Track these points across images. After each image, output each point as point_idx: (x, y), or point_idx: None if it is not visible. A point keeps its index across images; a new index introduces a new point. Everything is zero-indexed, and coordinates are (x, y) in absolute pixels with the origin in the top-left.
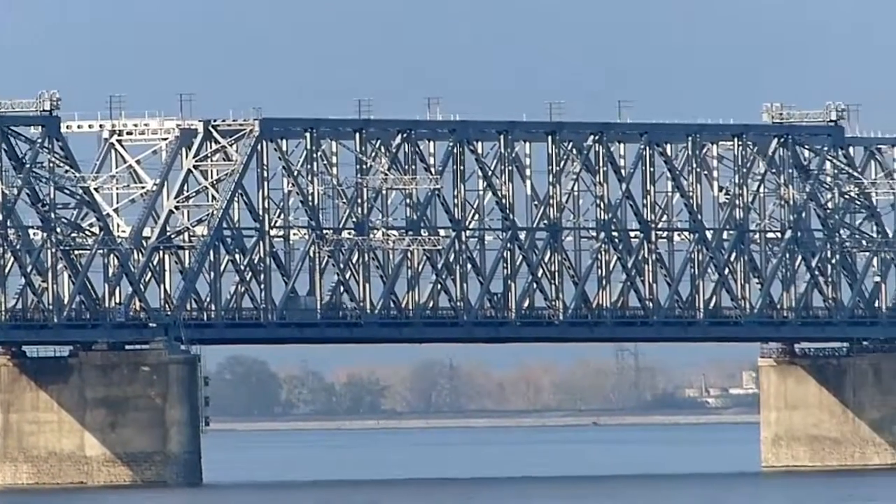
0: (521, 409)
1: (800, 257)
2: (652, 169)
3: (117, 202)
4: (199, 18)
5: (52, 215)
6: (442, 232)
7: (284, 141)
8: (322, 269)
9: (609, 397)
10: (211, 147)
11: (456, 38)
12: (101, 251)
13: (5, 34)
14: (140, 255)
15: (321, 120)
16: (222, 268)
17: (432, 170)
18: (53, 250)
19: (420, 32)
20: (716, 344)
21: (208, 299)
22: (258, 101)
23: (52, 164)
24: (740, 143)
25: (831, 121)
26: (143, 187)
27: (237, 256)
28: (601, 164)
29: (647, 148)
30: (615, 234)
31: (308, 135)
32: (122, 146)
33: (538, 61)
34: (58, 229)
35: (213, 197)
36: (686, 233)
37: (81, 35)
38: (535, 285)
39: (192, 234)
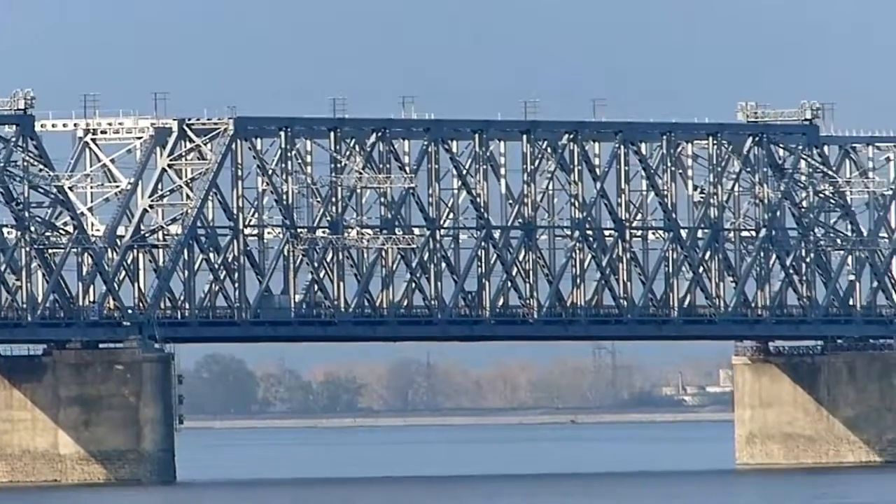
0: (499, 407)
1: (774, 256)
2: (627, 168)
3: (91, 201)
4: (173, 18)
5: (27, 214)
6: (416, 230)
7: (259, 140)
8: (296, 267)
9: (586, 395)
10: (185, 146)
11: (432, 36)
12: (75, 250)
13: None
14: (114, 253)
15: (295, 119)
16: (196, 266)
17: (407, 168)
18: (27, 249)
19: (395, 31)
20: (693, 342)
21: (182, 298)
22: (232, 100)
23: (26, 163)
24: (715, 141)
25: (806, 120)
26: (117, 186)
27: (211, 255)
28: (576, 162)
29: (622, 147)
30: (590, 232)
31: (282, 134)
32: (96, 145)
33: (514, 60)
34: (32, 228)
35: (188, 196)
36: (661, 231)
37: (56, 34)
38: (509, 284)
39: (166, 232)
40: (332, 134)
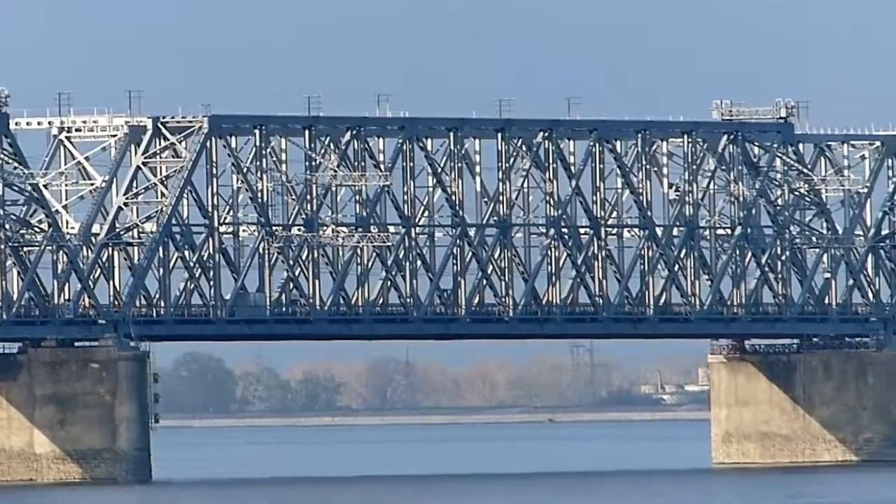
0: (477, 405)
1: (750, 254)
2: (602, 166)
3: (66, 199)
4: (148, 16)
5: (1, 212)
6: (392, 228)
7: (233, 138)
8: (271, 265)
9: (565, 394)
10: (160, 144)
11: (408, 34)
12: (49, 248)
13: None
14: (89, 251)
15: (270, 117)
16: (171, 264)
17: (382, 167)
18: (2, 247)
19: (370, 29)
20: (672, 340)
21: (157, 296)
22: (207, 98)
23: (0, 161)
24: (690, 139)
25: (781, 118)
26: (92, 184)
27: (186, 253)
28: (551, 160)
29: (597, 145)
30: (565, 230)
31: (257, 132)
32: (70, 143)
33: (490, 58)
34: (6, 226)
35: (163, 194)
36: (636, 229)
37: (30, 32)
38: (484, 282)
39: (141, 230)
40: (306, 132)
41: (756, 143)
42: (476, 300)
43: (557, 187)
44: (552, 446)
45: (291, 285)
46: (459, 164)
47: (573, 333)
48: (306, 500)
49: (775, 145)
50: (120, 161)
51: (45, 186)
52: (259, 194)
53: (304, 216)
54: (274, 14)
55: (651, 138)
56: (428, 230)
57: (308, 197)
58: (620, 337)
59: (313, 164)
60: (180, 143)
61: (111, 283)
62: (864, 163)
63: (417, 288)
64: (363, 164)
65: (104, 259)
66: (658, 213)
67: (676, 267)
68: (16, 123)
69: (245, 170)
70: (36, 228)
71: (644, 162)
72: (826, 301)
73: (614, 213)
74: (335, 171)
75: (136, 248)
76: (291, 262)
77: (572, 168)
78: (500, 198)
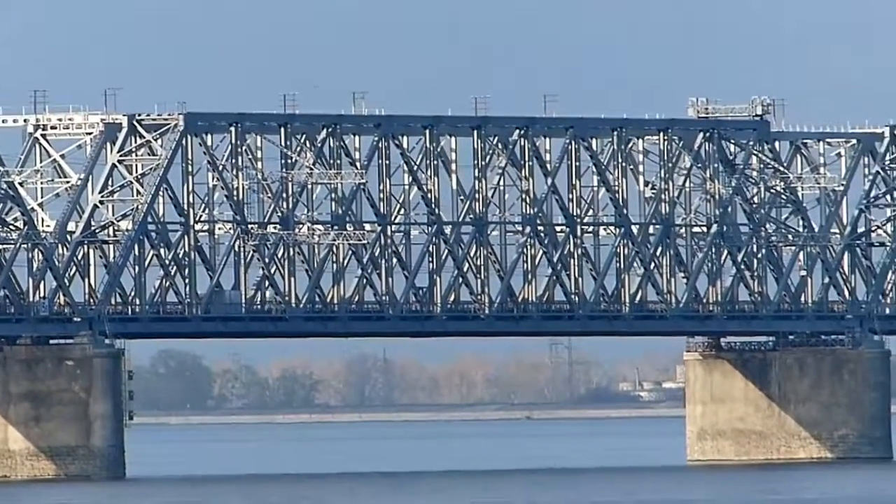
0: (455, 403)
1: (725, 252)
2: (577, 163)
3: (41, 196)
4: (123, 13)
5: None
6: (367, 226)
7: (209, 135)
8: (247, 263)
9: (543, 392)
10: (135, 141)
11: (384, 32)
12: (25, 245)
13: None
14: (64, 249)
15: (246, 114)
16: (147, 262)
17: (357, 164)
18: None
19: (346, 27)
20: (650, 338)
21: (133, 293)
22: (183, 95)
23: None
24: (666, 137)
25: (757, 115)
26: (67, 182)
27: (162, 251)
28: (527, 158)
29: (573, 142)
30: (541, 228)
31: (233, 129)
32: (46, 140)
33: (466, 56)
34: None
35: (138, 191)
36: (612, 227)
37: (5, 30)
38: (460, 279)
39: (116, 228)
40: (282, 129)
41: (732, 141)
42: (452, 298)
43: (533, 185)
44: (529, 443)
45: (267, 284)
46: (435, 162)
47: (549, 331)
48: (279, 496)
49: (751, 143)
50: (95, 159)
51: (20, 184)
52: (235, 192)
53: (279, 214)
54: (250, 12)
55: (627, 136)
56: (404, 228)
57: (284, 195)
58: (596, 335)
59: (289, 161)
60: (156, 140)
61: (86, 280)
62: (840, 160)
63: (393, 286)
64: (339, 161)
65: (79, 257)
66: (634, 211)
67: (652, 265)
68: None
69: (220, 167)
70: (11, 226)
71: (620, 160)
72: (802, 299)
73: (590, 211)
74: (311, 169)
75: (111, 246)
76: (267, 260)
77: (548, 166)
78: (476, 195)
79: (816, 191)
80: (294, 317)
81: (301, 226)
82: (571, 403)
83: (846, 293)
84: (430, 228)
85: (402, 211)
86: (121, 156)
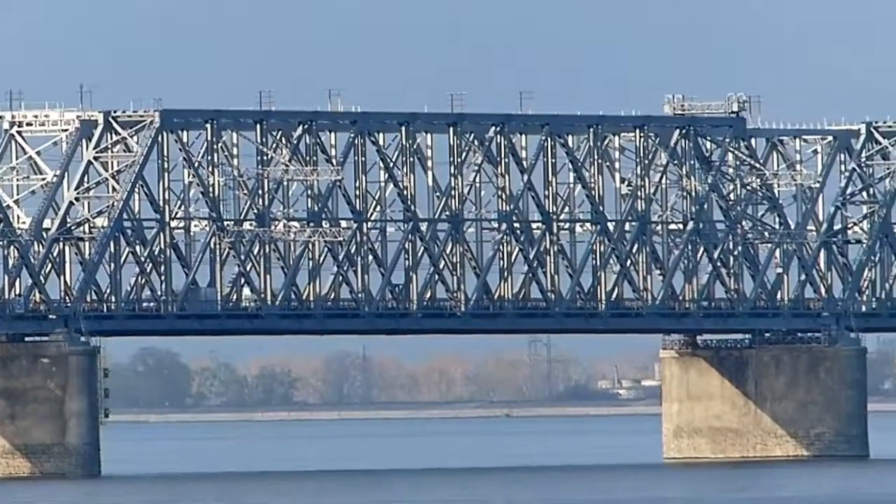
0: (434, 400)
1: (702, 249)
2: (553, 160)
3: (17, 193)
4: (99, 10)
5: None
6: (343, 223)
7: (185, 132)
8: (223, 260)
9: (522, 389)
10: (111, 138)
11: (360, 29)
12: (0, 243)
13: None
14: (40, 246)
15: (222, 111)
16: (123, 259)
17: (333, 161)
18: None
19: (322, 24)
20: (629, 335)
21: (108, 291)
22: (159, 92)
23: None
24: (642, 134)
25: (733, 112)
26: (43, 178)
27: (137, 248)
28: (503, 155)
29: (549, 139)
30: (517, 225)
31: (209, 126)
32: (21, 137)
33: (442, 53)
34: None
35: (114, 188)
36: (588, 224)
37: None
38: (436, 276)
39: (92, 225)
40: (258, 126)
41: (708, 138)
42: (428, 295)
43: (509, 182)
44: (507, 441)
45: (243, 281)
46: (411, 159)
47: (525, 328)
48: (253, 493)
49: (727, 140)
50: (71, 156)
51: None
52: (210, 189)
53: (255, 211)
54: (225, 8)
55: (603, 133)
56: (380, 225)
57: (259, 191)
58: (572, 332)
59: (265, 158)
60: (131, 137)
61: (62, 278)
62: (816, 157)
63: (369, 283)
64: (315, 158)
65: (55, 254)
66: (610, 208)
67: (628, 262)
68: None
69: (196, 164)
70: None
71: (596, 157)
72: (778, 296)
73: (566, 208)
74: (287, 166)
75: (87, 243)
76: (243, 257)
77: (524, 163)
78: (452, 192)
79: (793, 188)
80: (270, 314)
81: (277, 223)
82: (550, 401)
83: (822, 291)
84: (405, 225)
85: (378, 208)
86: (96, 153)
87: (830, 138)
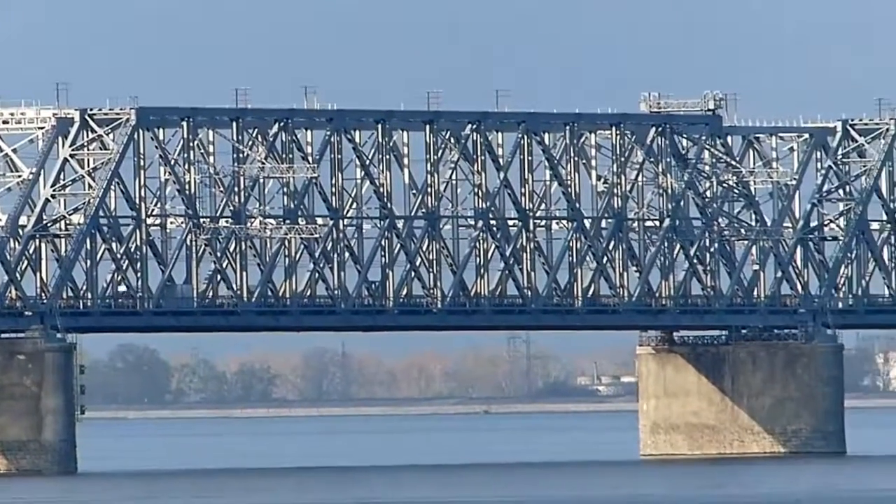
0: (413, 397)
1: (678, 246)
2: (530, 158)
3: None
4: (75, 8)
5: None
6: (319, 220)
7: (161, 129)
8: (199, 257)
9: (501, 386)
10: (87, 136)
11: (336, 26)
12: None
13: None
14: (16, 243)
15: (198, 109)
16: (99, 256)
17: (309, 158)
18: None
19: (298, 21)
20: (608, 332)
21: (84, 288)
22: (135, 90)
23: None
24: (618, 132)
25: (709, 110)
26: (19, 176)
27: (114, 245)
28: (479, 152)
29: (525, 137)
30: (493, 222)
31: (185, 123)
32: None
33: (414, 51)
34: None
35: (90, 185)
36: (564, 221)
37: None
38: (413, 273)
39: (68, 222)
40: (234, 124)
41: (684, 136)
42: (404, 292)
43: (486, 179)
44: (485, 438)
45: (219, 278)
46: (387, 156)
47: (501, 325)
48: (233, 490)
49: (703, 137)
50: (47, 153)
51: None
52: (186, 186)
53: (231, 208)
54: (201, 5)
55: (579, 130)
56: (356, 222)
57: (236, 189)
58: (549, 328)
59: (241, 156)
60: (108, 135)
61: (38, 274)
62: (792, 155)
63: (345, 279)
64: (291, 155)
65: (31, 251)
66: (587, 205)
67: (605, 259)
68: None
69: (172, 162)
70: None
71: (572, 154)
72: (754, 293)
73: (543, 205)
74: (263, 163)
75: (63, 240)
76: (219, 254)
77: (500, 160)
78: (429, 190)
79: (769, 185)
80: (246, 311)
81: (253, 220)
82: (529, 397)
83: (799, 287)
84: (382, 222)
85: (355, 205)
86: (73, 150)
87: (807, 136)
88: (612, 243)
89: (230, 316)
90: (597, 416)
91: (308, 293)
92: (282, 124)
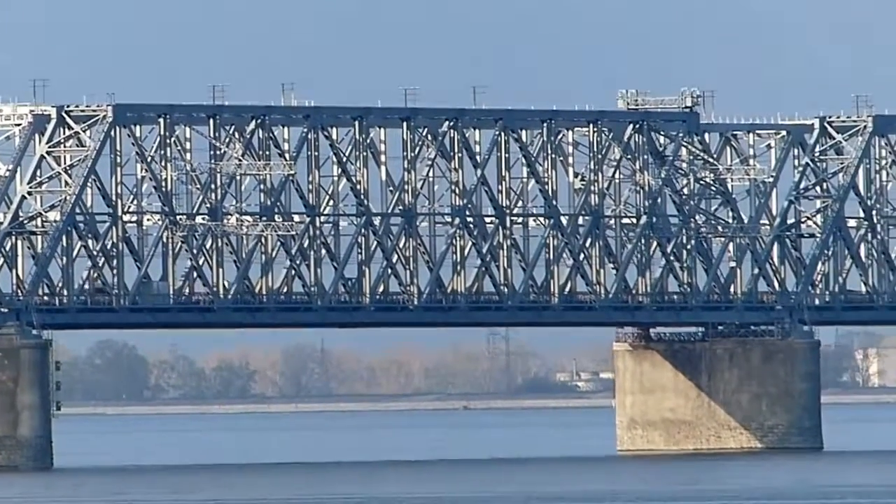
0: (392, 393)
1: (655, 243)
2: (507, 155)
3: None
4: (51, 5)
5: None
6: (296, 217)
7: (138, 127)
8: (175, 254)
9: (480, 382)
10: (64, 133)
11: (312, 22)
12: None
13: None
14: None
15: (175, 106)
16: (75, 253)
17: (286, 155)
18: None
19: (274, 18)
20: (587, 328)
21: (60, 284)
22: (111, 87)
23: None
24: (595, 129)
25: (686, 107)
26: None
27: (90, 242)
28: (456, 149)
29: (502, 134)
30: (470, 219)
31: (161, 120)
32: None
33: (396, 47)
34: None
35: (67, 182)
36: (541, 218)
37: None
38: (389, 270)
39: (44, 219)
40: (211, 121)
41: (661, 133)
42: (381, 289)
43: (463, 176)
44: (464, 434)
45: (195, 275)
46: (364, 153)
47: (478, 322)
48: (208, 486)
49: (681, 135)
50: (24, 150)
51: None
52: (163, 183)
53: (208, 205)
54: (178, 2)
55: (556, 127)
56: (333, 219)
57: (212, 186)
58: (525, 325)
59: (218, 152)
60: (84, 131)
61: (14, 271)
62: (769, 152)
63: (322, 276)
64: (268, 152)
65: (7, 248)
66: (563, 202)
67: (582, 255)
68: None
69: (149, 158)
70: None
71: (549, 151)
72: (731, 290)
73: (520, 202)
74: (239, 160)
75: (39, 237)
76: (195, 251)
77: (478, 157)
78: (406, 187)
79: (746, 182)
80: (222, 308)
81: (229, 217)
82: (509, 394)
83: (776, 284)
84: (359, 220)
85: (331, 202)
86: (49, 147)
87: (784, 133)
88: (588, 240)
89: (206, 313)
90: (576, 412)
91: (284, 290)
92: (259, 121)
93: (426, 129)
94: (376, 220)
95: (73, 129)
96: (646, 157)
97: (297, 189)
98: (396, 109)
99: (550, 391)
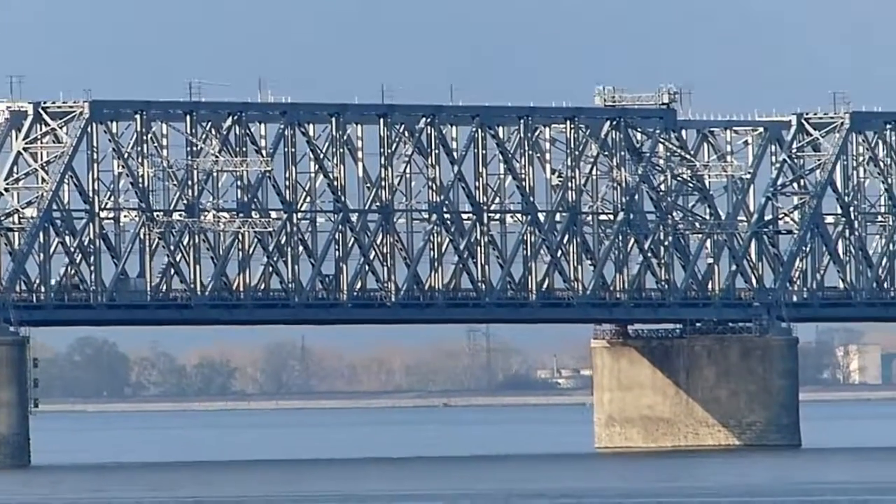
0: (373, 390)
1: (632, 239)
2: (484, 151)
3: None
4: (27, 0)
5: None
6: (273, 214)
7: (115, 123)
8: (152, 250)
9: (461, 379)
10: (41, 129)
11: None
12: None
13: None
14: None
15: (151, 102)
16: (52, 250)
17: (263, 152)
18: None
19: (252, 15)
20: (568, 325)
21: (38, 281)
22: (88, 83)
23: None
24: (573, 125)
25: (663, 104)
26: None
27: (67, 238)
28: (433, 146)
29: (479, 130)
30: (447, 216)
31: (138, 117)
32: None
33: (372, 44)
34: None
35: (43, 179)
36: (518, 215)
37: None
38: (367, 267)
39: (21, 216)
40: (188, 117)
41: (639, 129)
42: (358, 285)
43: (440, 173)
44: (444, 430)
45: (172, 271)
46: (341, 150)
47: (455, 318)
48: (188, 483)
49: (658, 131)
50: (0, 146)
51: None
52: (140, 180)
53: (185, 201)
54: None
55: (534, 124)
56: (310, 215)
57: (189, 182)
58: (503, 322)
59: (194, 149)
60: (61, 128)
61: None
62: (747, 149)
63: (299, 273)
64: (244, 149)
65: None
66: (541, 199)
67: (559, 252)
68: None
69: (126, 155)
70: None
71: (527, 148)
72: (709, 286)
73: (497, 199)
74: (216, 157)
75: (16, 234)
76: (172, 248)
77: (455, 154)
78: (383, 183)
79: (723, 179)
80: (199, 304)
81: (206, 213)
82: (489, 390)
83: (753, 281)
84: (336, 216)
85: (309, 198)
86: (26, 143)
87: (761, 129)
88: (566, 237)
89: (184, 309)
90: (556, 408)
91: (262, 286)
92: (235, 118)
93: (403, 126)
94: (353, 217)
95: (49, 125)
96: (623, 153)
97: (274, 185)
98: (373, 106)
99: (531, 388)
